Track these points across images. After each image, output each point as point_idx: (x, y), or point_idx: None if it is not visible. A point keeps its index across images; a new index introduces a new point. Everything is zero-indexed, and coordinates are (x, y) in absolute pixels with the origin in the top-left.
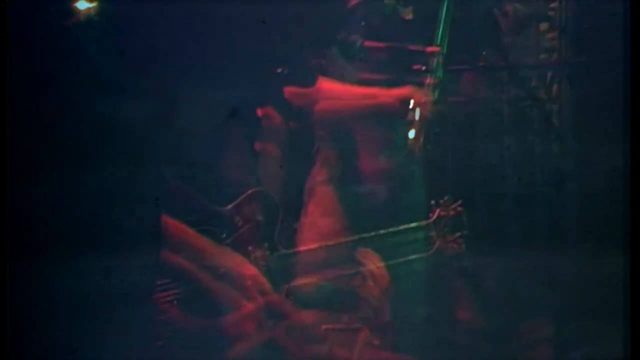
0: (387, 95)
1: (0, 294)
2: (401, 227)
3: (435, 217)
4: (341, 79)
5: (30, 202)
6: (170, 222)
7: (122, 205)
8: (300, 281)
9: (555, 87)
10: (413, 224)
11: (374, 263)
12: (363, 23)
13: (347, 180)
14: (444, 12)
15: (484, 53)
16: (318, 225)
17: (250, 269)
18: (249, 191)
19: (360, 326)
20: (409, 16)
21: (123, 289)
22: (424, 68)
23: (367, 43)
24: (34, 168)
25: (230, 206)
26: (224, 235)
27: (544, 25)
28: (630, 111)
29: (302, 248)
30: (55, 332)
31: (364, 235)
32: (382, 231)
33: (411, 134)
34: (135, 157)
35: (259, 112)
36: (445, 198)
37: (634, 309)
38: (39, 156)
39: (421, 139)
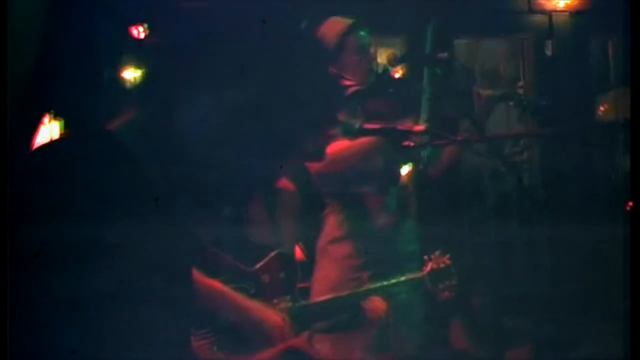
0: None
1: (0, 294)
2: (401, 278)
3: (428, 269)
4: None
5: (30, 202)
6: (205, 280)
7: (123, 205)
8: (318, 326)
9: (525, 153)
10: (410, 275)
11: (378, 305)
12: (358, 108)
13: (354, 236)
14: (426, 93)
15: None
16: (330, 279)
17: (275, 318)
18: (273, 253)
19: None
20: (399, 73)
21: (123, 289)
22: (412, 144)
23: (365, 125)
24: (34, 169)
25: (257, 266)
26: (253, 291)
27: (511, 103)
28: (630, 111)
29: (317, 299)
30: (55, 332)
31: (370, 286)
32: (384, 282)
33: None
34: (136, 159)
35: (279, 184)
36: (437, 252)
37: (634, 308)
38: (39, 156)
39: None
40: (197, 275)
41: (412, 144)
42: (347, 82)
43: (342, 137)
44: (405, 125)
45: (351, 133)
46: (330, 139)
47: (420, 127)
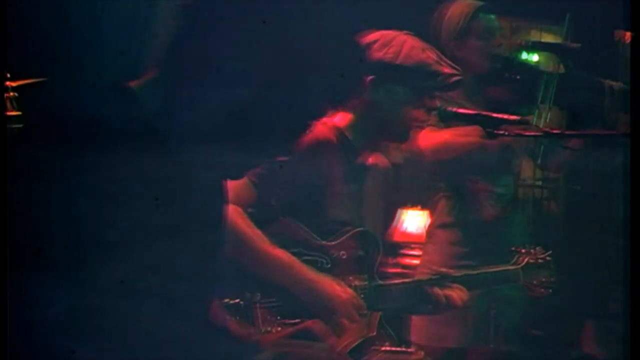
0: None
1: (0, 294)
2: (492, 270)
3: (523, 263)
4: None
5: (31, 202)
6: (277, 251)
7: (123, 205)
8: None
9: None
10: (502, 267)
11: (458, 294)
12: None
13: (462, 224)
14: (553, 83)
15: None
16: (434, 263)
17: (348, 292)
18: (355, 230)
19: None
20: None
21: (124, 289)
22: (506, 134)
23: (459, 110)
24: (34, 168)
25: (336, 241)
26: (328, 265)
27: None
28: (630, 111)
29: (397, 281)
30: (55, 332)
31: (455, 274)
32: (471, 272)
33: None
34: (135, 158)
35: (370, 159)
36: (538, 247)
37: (634, 308)
38: (39, 156)
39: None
40: (265, 245)
41: (506, 132)
42: (448, 71)
43: (437, 122)
44: (499, 113)
45: (445, 118)
46: (424, 124)
47: (515, 117)
